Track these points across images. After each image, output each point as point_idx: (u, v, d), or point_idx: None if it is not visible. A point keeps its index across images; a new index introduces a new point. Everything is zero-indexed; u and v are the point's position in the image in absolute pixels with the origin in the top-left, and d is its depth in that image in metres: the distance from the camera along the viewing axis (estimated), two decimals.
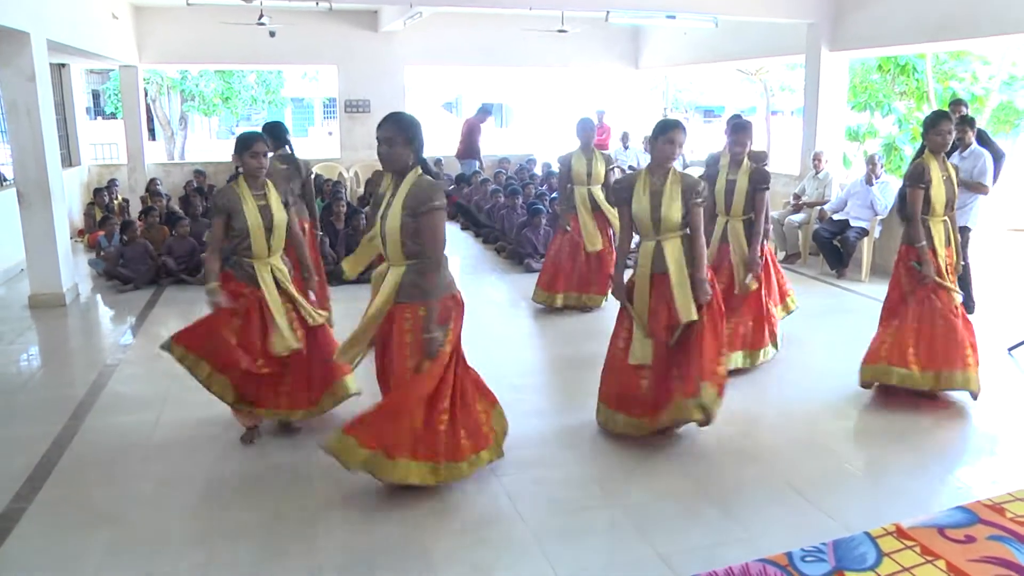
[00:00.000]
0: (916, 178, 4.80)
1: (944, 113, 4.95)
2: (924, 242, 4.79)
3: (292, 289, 4.39)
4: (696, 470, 4.12)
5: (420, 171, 3.61)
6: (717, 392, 4.17)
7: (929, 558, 1.85)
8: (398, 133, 3.54)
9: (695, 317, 4.15)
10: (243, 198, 4.23)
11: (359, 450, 3.58)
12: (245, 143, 4.28)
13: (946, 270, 4.88)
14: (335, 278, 7.08)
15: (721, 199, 5.36)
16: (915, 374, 4.84)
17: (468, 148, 13.16)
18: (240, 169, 4.35)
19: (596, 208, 7.05)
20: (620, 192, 4.33)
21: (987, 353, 6.02)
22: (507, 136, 13.40)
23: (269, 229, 4.28)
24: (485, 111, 13.54)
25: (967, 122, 7.06)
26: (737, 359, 5.41)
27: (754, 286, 5.44)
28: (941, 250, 4.85)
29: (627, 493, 3.92)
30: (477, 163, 13.17)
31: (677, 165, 4.60)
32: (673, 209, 4.18)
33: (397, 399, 3.68)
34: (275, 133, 6.03)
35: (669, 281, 4.20)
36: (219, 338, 4.20)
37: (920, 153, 4.92)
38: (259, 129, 5.71)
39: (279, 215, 4.32)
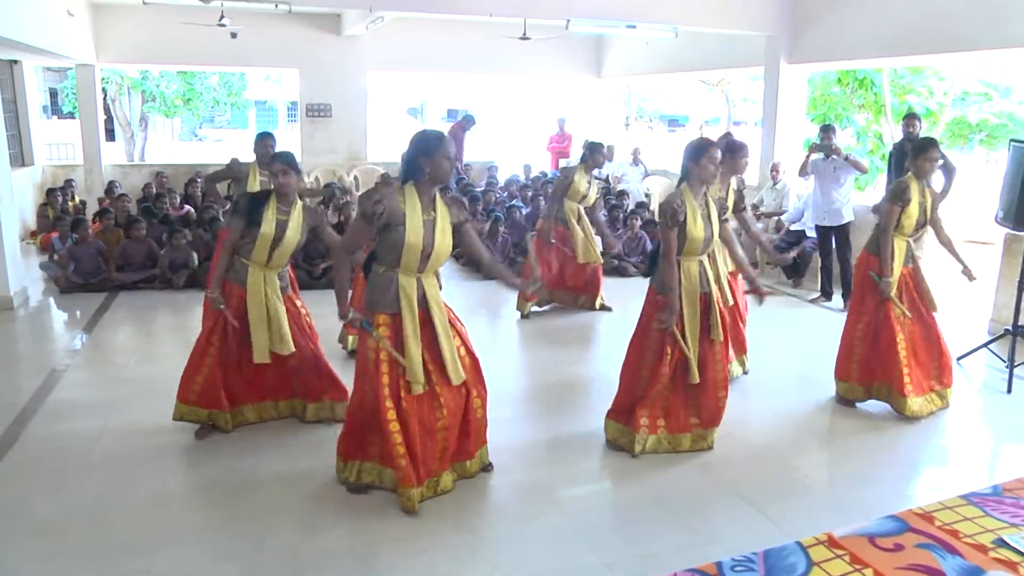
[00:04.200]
0: (898, 195, 4.94)
1: (933, 141, 5.06)
2: (888, 258, 4.91)
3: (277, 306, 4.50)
4: (649, 479, 4.13)
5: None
6: None
7: (858, 567, 1.86)
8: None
9: (721, 337, 4.32)
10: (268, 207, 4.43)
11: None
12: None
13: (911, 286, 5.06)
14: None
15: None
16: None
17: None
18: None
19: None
20: (675, 213, 4.14)
21: None
22: (470, 142, 13.39)
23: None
24: (468, 119, 13.50)
25: (915, 116, 7.83)
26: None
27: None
28: (899, 267, 4.97)
29: (577, 501, 3.93)
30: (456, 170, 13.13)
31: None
32: (716, 230, 4.29)
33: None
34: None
35: (711, 300, 4.30)
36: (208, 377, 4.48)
37: (903, 173, 5.07)
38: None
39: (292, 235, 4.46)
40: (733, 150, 5.22)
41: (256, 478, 4.06)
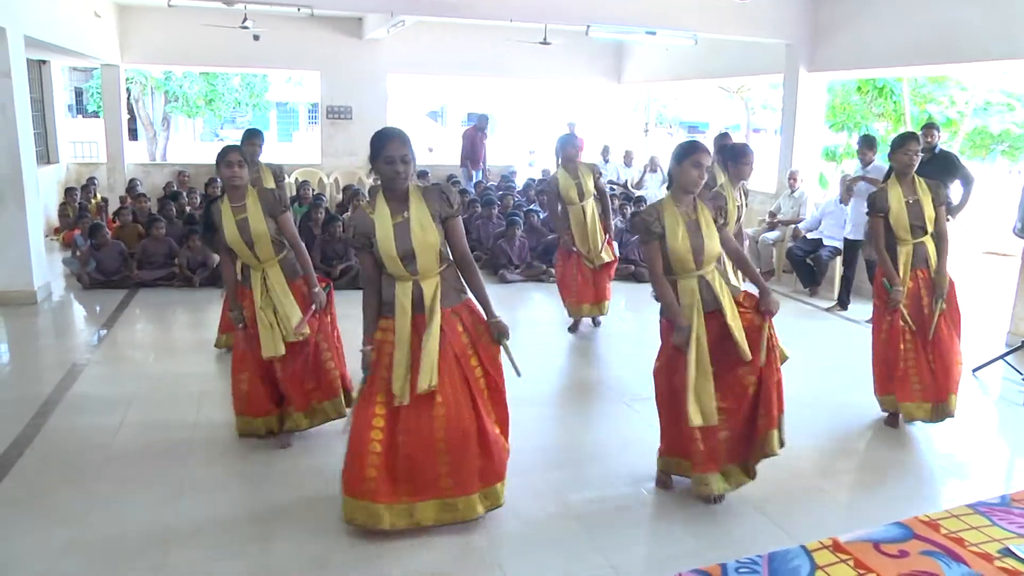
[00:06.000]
0: (871, 207, 4.79)
1: (912, 134, 4.85)
2: (890, 268, 4.74)
3: (280, 297, 4.30)
4: None
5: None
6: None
7: (862, 572, 1.88)
8: (410, 149, 3.35)
9: (750, 357, 3.67)
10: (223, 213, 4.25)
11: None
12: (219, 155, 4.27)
13: (923, 292, 4.80)
14: None
15: (732, 220, 5.11)
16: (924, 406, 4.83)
17: (467, 157, 13.28)
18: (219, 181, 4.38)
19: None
20: (648, 227, 3.68)
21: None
22: (490, 146, 13.49)
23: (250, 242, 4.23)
24: (483, 119, 13.59)
25: (933, 126, 7.67)
26: None
27: None
28: (906, 274, 4.75)
29: (586, 504, 3.94)
30: (477, 172, 13.22)
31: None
32: (714, 240, 3.71)
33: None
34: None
35: (724, 318, 3.68)
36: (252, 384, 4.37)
37: (888, 175, 4.87)
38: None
39: (257, 227, 4.23)
40: (736, 155, 5.13)
41: (266, 475, 4.12)
